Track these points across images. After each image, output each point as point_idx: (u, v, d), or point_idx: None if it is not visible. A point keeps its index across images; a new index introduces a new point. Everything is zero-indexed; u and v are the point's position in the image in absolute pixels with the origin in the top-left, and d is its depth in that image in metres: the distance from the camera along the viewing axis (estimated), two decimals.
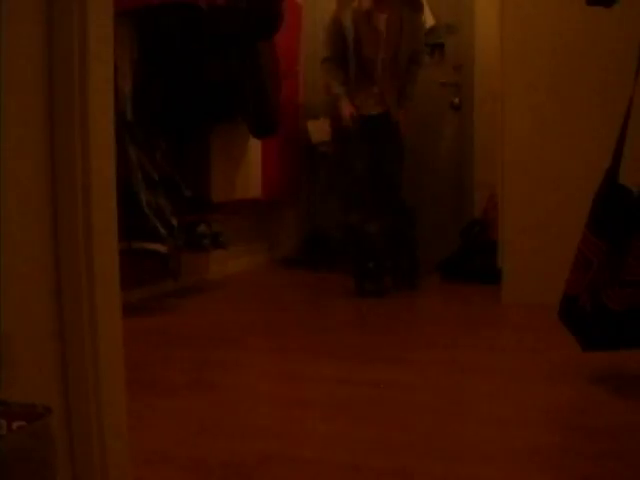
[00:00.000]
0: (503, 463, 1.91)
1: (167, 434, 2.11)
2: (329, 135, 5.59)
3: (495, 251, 4.32)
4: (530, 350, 3.10)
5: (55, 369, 1.39)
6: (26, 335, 1.33)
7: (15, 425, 1.10)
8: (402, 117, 4.83)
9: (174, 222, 3.71)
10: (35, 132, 1.37)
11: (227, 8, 3.85)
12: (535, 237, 3.97)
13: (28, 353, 1.33)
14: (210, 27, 3.82)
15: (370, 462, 1.91)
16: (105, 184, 1.47)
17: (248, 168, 4.81)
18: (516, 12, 4.00)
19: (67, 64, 1.39)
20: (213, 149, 4.48)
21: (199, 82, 3.92)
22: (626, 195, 2.46)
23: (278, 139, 5.01)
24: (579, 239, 2.51)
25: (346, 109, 4.79)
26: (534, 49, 3.96)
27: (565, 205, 3.79)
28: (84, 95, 1.40)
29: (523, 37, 3.98)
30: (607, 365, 2.76)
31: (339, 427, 2.18)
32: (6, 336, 1.26)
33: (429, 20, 5.51)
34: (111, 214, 1.49)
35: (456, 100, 5.63)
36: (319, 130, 5.66)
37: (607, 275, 2.40)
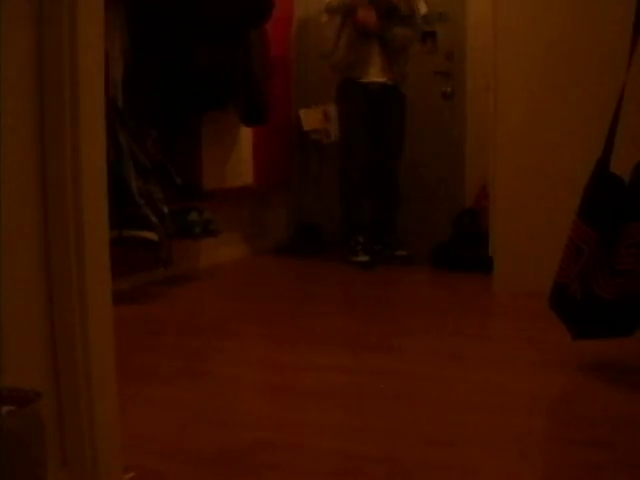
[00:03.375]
0: (492, 449, 1.92)
1: (157, 422, 2.11)
2: (321, 123, 5.59)
3: (486, 240, 4.33)
4: (521, 338, 3.11)
5: (46, 355, 1.39)
6: (16, 321, 1.32)
7: (4, 410, 1.10)
8: None
9: (165, 210, 3.69)
10: (25, 119, 1.36)
11: None
12: (526, 226, 3.97)
13: (18, 339, 1.33)
14: (201, 14, 3.80)
15: (360, 449, 1.92)
16: (96, 172, 1.46)
17: (239, 156, 4.80)
18: (509, 0, 3.99)
19: (57, 50, 1.38)
20: (204, 136, 4.47)
21: (190, 69, 3.90)
22: (617, 184, 2.46)
23: (270, 127, 5.00)
24: (570, 228, 2.52)
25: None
26: (527, 38, 3.95)
27: (557, 194, 3.79)
28: (74, 81, 1.39)
29: (516, 26, 3.97)
30: (597, 353, 2.77)
31: (330, 415, 2.18)
32: None
33: (422, 8, 5.50)
34: (102, 202, 1.49)
35: (448, 89, 5.63)
36: (311, 118, 5.65)
37: (598, 263, 2.41)
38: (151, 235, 3.58)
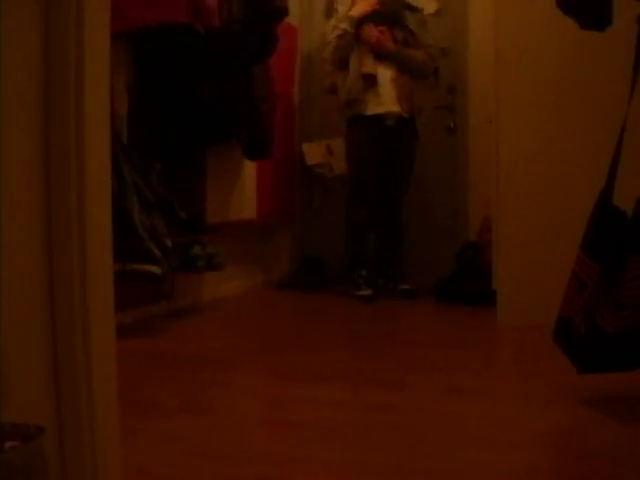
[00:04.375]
0: None
1: (159, 456, 2.09)
2: (324, 157, 5.62)
3: (489, 273, 4.33)
4: (525, 372, 3.10)
5: (48, 389, 1.39)
6: (19, 355, 1.32)
7: (7, 445, 1.09)
8: None
9: (169, 244, 3.70)
10: (30, 152, 1.37)
11: (223, 31, 3.87)
12: (530, 259, 3.97)
13: (21, 373, 1.32)
14: (206, 50, 3.84)
15: None
16: (100, 206, 1.47)
17: (243, 190, 4.82)
18: (510, 35, 4.02)
19: (64, 85, 1.39)
20: (208, 170, 4.49)
21: (194, 104, 3.93)
22: (620, 217, 2.46)
23: (273, 161, 5.02)
24: (574, 261, 2.51)
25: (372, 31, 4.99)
26: (529, 72, 3.98)
27: (560, 227, 3.80)
28: (80, 117, 1.40)
29: (518, 60, 4.01)
30: (602, 387, 2.75)
31: (332, 450, 2.17)
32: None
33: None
34: (106, 235, 1.49)
35: (451, 123, 5.66)
36: (314, 152, 5.68)
37: (602, 297, 2.40)
38: (154, 269, 3.59)
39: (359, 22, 4.98)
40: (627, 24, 2.57)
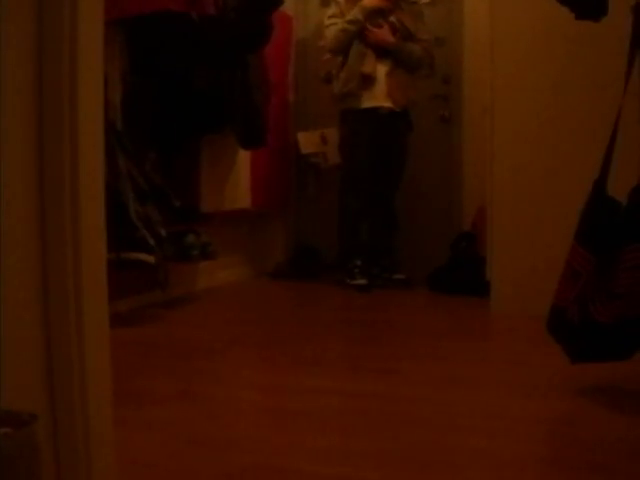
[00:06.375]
0: (491, 474, 1.91)
1: (153, 444, 2.09)
2: (318, 147, 5.61)
3: (483, 263, 4.33)
4: (519, 362, 3.10)
5: (41, 377, 1.38)
6: (12, 343, 1.32)
7: (0, 432, 1.09)
8: None
9: (163, 232, 3.70)
10: (24, 141, 1.36)
11: (218, 19, 3.86)
12: (524, 249, 3.97)
13: (14, 361, 1.32)
14: (201, 38, 3.82)
15: (359, 473, 1.90)
16: (94, 194, 1.46)
17: (237, 179, 4.82)
18: (505, 24, 4.02)
19: (57, 73, 1.39)
20: (202, 159, 4.48)
21: (189, 93, 3.92)
22: (614, 207, 2.47)
23: (268, 150, 5.02)
24: (568, 251, 2.52)
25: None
26: (525, 62, 3.98)
27: (554, 217, 3.81)
28: (74, 105, 1.40)
29: (513, 50, 4.00)
30: (595, 377, 2.76)
31: (327, 438, 2.17)
32: None
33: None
34: (100, 224, 1.49)
35: (446, 113, 5.65)
36: (309, 141, 5.67)
37: (595, 287, 2.41)
38: (148, 258, 3.58)
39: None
40: (622, 14, 2.57)
